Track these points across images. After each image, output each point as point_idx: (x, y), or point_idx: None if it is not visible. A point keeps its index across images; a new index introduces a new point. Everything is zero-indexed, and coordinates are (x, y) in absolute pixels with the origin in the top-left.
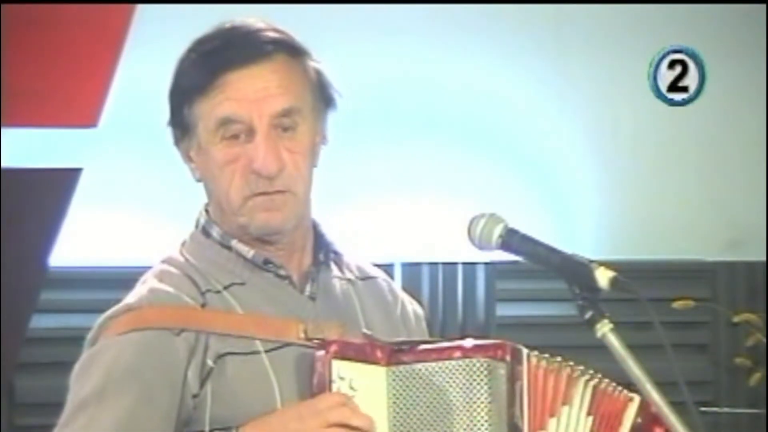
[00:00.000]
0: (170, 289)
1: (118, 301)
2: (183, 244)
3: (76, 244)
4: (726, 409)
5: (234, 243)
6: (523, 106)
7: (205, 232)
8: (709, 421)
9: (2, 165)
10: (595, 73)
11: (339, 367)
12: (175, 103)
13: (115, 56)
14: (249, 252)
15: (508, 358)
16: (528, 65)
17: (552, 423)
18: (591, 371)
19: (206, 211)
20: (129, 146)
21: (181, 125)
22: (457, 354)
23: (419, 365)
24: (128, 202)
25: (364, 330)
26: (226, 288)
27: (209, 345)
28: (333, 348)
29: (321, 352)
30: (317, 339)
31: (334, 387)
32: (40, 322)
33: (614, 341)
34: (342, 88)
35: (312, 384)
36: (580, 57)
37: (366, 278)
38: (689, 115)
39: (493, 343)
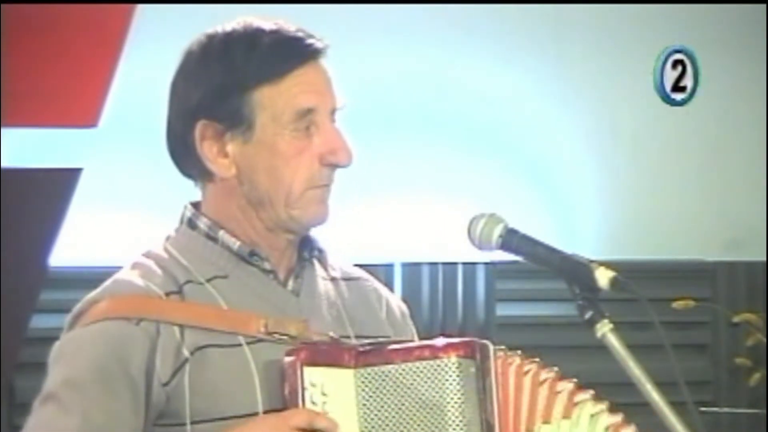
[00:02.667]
0: (136, 280)
1: None
2: (167, 238)
3: (76, 244)
4: (726, 409)
5: (221, 234)
6: (523, 107)
7: (191, 225)
8: (709, 421)
9: (2, 165)
10: (595, 74)
11: (310, 373)
12: (222, 94)
13: (115, 56)
14: (235, 243)
15: (477, 355)
16: (528, 66)
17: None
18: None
19: (192, 206)
20: (129, 146)
21: (226, 118)
22: (426, 354)
23: (388, 367)
24: (128, 202)
25: (331, 333)
26: (208, 280)
27: (185, 335)
28: (303, 355)
29: (291, 359)
30: (277, 333)
31: (307, 394)
32: (40, 322)
33: (614, 341)
34: (342, 88)
35: (284, 392)
36: (579, 57)
37: (349, 279)
38: (689, 115)
39: (461, 341)
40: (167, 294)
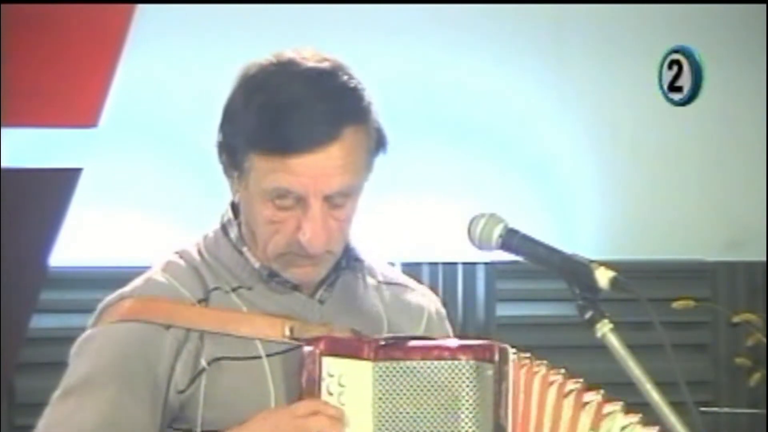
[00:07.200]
0: (169, 281)
1: None
2: (205, 237)
3: (76, 244)
4: (726, 409)
5: (245, 250)
6: (523, 107)
7: (224, 230)
8: (709, 421)
9: (2, 165)
10: (595, 74)
11: (328, 364)
12: (232, 144)
13: (115, 56)
14: (256, 263)
15: (495, 358)
16: (528, 66)
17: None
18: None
19: (232, 207)
20: (129, 146)
21: (231, 155)
22: (446, 354)
23: (407, 362)
24: (128, 202)
25: (353, 327)
26: (234, 289)
27: (204, 345)
28: (322, 345)
29: (310, 349)
30: (303, 338)
31: (324, 384)
32: (40, 322)
33: (614, 341)
34: None
35: (301, 381)
36: (580, 57)
37: (391, 284)
38: (689, 115)
39: (480, 344)
40: (201, 300)
